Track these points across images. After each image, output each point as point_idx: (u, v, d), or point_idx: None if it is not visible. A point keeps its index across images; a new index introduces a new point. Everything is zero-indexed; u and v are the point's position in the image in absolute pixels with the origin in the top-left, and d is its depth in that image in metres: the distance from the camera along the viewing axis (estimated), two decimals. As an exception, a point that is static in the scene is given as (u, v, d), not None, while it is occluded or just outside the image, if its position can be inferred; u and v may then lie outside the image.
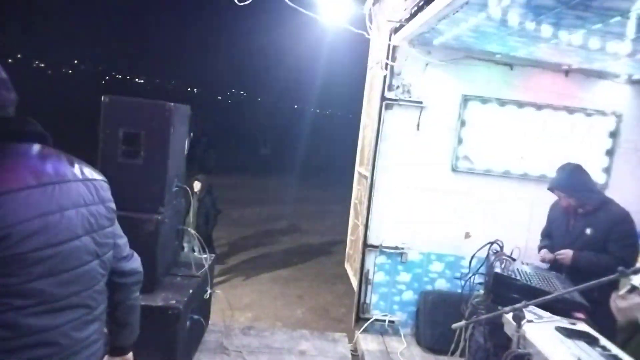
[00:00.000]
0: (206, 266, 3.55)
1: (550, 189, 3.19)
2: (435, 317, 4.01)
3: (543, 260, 3.26)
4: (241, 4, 4.04)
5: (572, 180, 3.09)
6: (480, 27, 3.15)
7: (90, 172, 1.41)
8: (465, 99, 4.13)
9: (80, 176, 1.35)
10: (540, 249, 3.40)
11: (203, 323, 3.71)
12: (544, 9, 2.56)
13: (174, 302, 2.96)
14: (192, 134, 3.80)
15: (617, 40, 2.93)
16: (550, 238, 3.40)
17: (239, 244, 8.87)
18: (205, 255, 3.66)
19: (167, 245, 3.24)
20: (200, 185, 5.83)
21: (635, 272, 1.76)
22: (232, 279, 6.97)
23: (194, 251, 3.73)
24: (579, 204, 3.08)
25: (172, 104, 3.03)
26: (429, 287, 4.31)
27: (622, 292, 1.77)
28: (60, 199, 1.25)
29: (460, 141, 4.18)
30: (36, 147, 1.26)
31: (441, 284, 4.32)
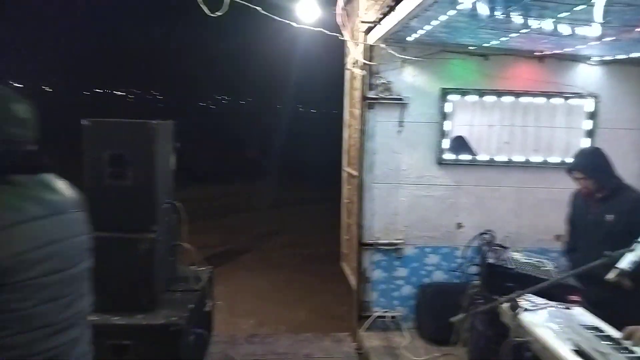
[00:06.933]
0: (204, 279, 3.57)
1: (570, 171, 3.08)
2: (435, 309, 4.06)
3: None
4: (213, 14, 4.02)
5: (592, 162, 3.01)
6: (452, 23, 3.19)
7: (81, 204, 1.52)
8: (445, 93, 4.19)
9: (78, 207, 1.47)
10: (569, 258, 3.22)
11: (207, 336, 3.73)
12: (510, 1, 2.62)
13: (175, 318, 2.97)
14: (179, 145, 3.80)
15: (585, 25, 2.99)
16: (574, 226, 3.26)
17: (235, 250, 8.88)
18: (203, 268, 3.68)
19: (163, 262, 3.25)
20: None
21: (620, 255, 1.82)
22: (232, 287, 6.99)
23: (192, 265, 3.75)
24: (597, 187, 2.96)
25: (154, 122, 3.04)
26: (426, 280, 4.37)
27: (611, 275, 1.83)
28: (64, 228, 1.37)
29: (443, 134, 4.24)
30: (44, 178, 1.37)
31: (439, 276, 4.37)
